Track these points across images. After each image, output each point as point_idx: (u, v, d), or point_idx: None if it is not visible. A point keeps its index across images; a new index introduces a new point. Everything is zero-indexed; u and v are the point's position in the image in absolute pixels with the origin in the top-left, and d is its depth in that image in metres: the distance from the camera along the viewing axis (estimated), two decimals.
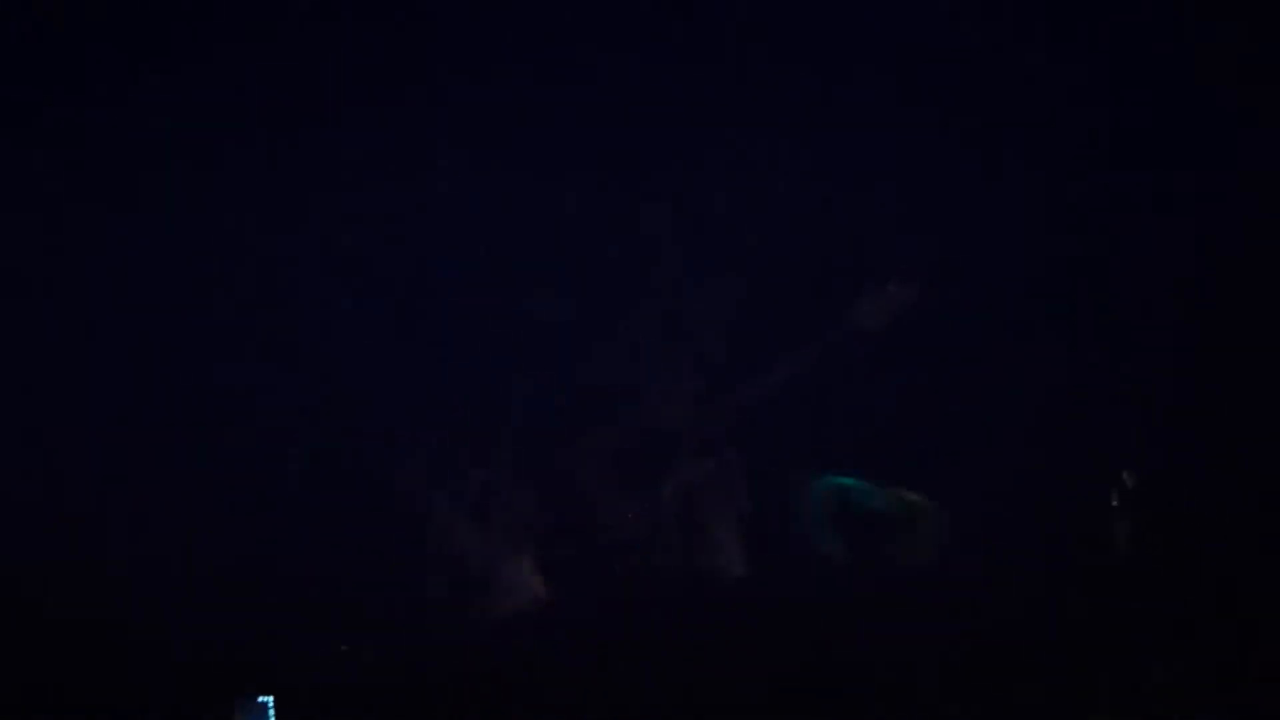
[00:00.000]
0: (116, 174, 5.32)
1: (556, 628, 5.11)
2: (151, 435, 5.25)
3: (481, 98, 5.36)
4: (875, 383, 5.26)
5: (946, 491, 5.17)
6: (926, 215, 5.26)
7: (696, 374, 5.38)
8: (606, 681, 5.01)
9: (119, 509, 5.18)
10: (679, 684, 5.00)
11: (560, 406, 5.33)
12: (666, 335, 5.40)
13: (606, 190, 5.37)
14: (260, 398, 5.29)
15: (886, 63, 5.19)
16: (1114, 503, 5.08)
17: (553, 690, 5.00)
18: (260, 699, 4.93)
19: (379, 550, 5.19)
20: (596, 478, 5.29)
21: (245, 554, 5.16)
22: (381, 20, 5.33)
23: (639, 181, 5.36)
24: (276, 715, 4.92)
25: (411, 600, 5.17)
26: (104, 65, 5.28)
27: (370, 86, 5.35)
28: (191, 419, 5.26)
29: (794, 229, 5.33)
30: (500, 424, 5.29)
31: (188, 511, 5.20)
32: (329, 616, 5.11)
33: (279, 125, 5.33)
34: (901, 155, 5.23)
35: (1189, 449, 5.08)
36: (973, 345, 5.22)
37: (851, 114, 5.21)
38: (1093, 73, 5.13)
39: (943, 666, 4.98)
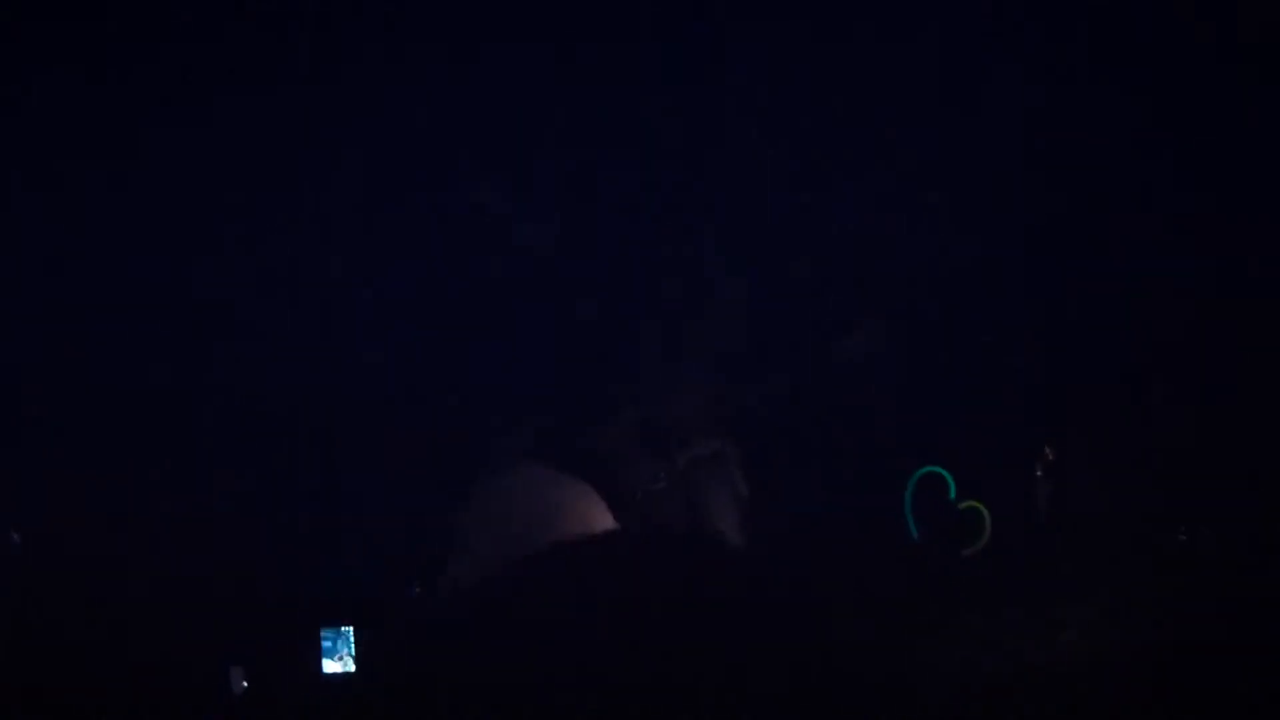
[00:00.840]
0: (104, 167, 5.58)
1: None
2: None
3: (487, 94, 5.62)
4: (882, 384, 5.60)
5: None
6: (944, 219, 5.60)
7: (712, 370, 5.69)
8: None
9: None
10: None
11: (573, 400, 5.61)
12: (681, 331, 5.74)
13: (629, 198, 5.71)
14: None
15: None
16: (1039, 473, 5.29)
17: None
18: (343, 628, 5.29)
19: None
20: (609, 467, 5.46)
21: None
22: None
23: (657, 182, 5.70)
24: (357, 643, 5.30)
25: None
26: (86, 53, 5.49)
27: (369, 82, 5.60)
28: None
29: (812, 231, 5.70)
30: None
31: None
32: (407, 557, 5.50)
33: (278, 125, 5.61)
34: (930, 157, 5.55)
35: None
36: (980, 348, 5.54)
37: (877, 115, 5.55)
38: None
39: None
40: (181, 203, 5.65)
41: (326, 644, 5.32)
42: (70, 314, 5.67)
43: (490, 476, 5.42)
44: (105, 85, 5.56)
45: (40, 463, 5.53)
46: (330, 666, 5.33)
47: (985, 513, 5.00)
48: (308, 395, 5.71)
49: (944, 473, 5.08)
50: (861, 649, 4.78)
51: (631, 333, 5.69)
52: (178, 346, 5.65)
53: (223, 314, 5.71)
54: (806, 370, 5.67)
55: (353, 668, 5.29)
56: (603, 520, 5.37)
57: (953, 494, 5.02)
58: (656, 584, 5.00)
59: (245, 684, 5.17)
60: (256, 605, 5.44)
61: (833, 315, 5.67)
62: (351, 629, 5.31)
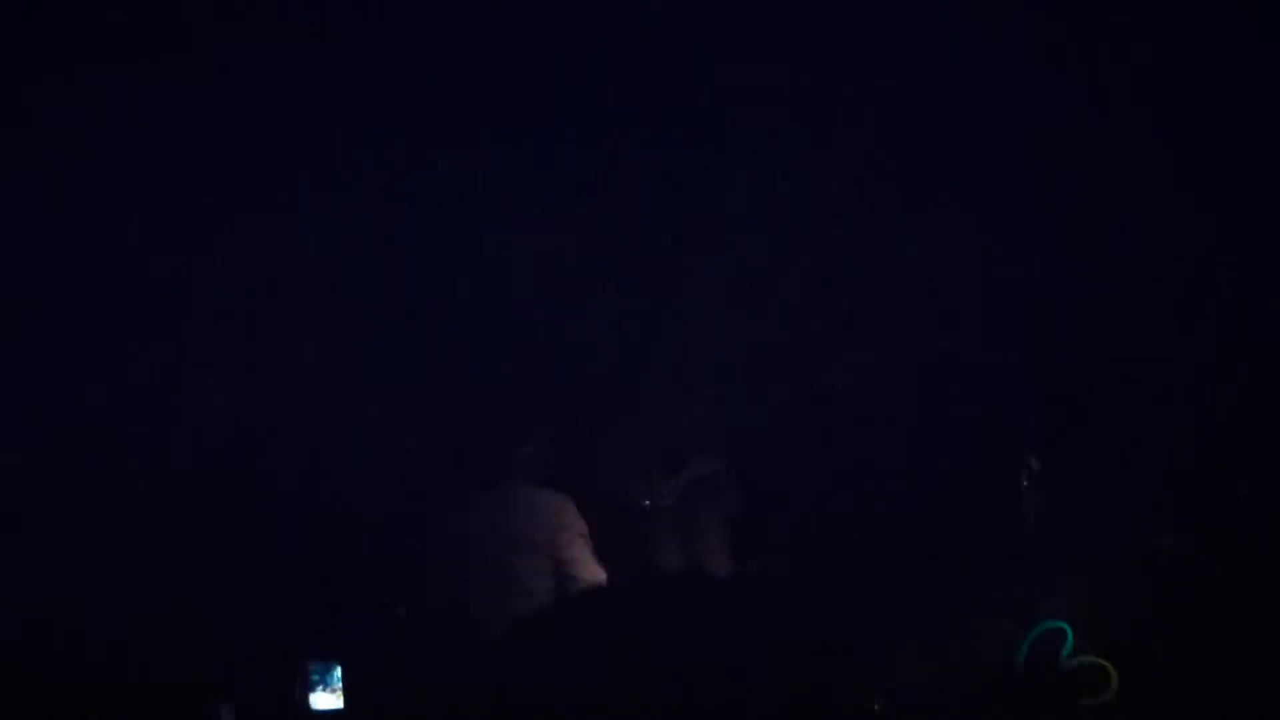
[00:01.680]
0: (98, 172, 5.59)
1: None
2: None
3: (499, 92, 5.65)
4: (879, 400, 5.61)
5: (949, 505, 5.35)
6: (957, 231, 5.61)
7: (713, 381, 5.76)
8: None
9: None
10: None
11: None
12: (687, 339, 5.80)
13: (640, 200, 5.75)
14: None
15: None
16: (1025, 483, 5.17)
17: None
18: (328, 664, 5.24)
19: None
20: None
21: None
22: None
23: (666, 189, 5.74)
24: (344, 680, 5.26)
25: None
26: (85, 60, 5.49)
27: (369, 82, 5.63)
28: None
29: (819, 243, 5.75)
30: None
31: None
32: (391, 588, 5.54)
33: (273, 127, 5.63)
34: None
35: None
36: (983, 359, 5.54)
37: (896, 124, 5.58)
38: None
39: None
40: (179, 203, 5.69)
41: (314, 678, 5.28)
42: (68, 317, 5.68)
43: (485, 495, 5.45)
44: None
45: (33, 496, 5.50)
46: (318, 701, 5.28)
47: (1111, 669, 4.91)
48: (301, 419, 5.73)
49: (1066, 628, 4.99)
50: (857, 652, 4.93)
51: (636, 351, 5.76)
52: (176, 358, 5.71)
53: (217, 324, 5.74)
54: (804, 388, 5.69)
55: (340, 704, 5.25)
56: (597, 544, 5.40)
57: (1067, 650, 4.96)
58: (651, 607, 5.09)
59: None
60: (243, 640, 5.43)
61: (830, 337, 5.70)
62: (338, 666, 5.26)
